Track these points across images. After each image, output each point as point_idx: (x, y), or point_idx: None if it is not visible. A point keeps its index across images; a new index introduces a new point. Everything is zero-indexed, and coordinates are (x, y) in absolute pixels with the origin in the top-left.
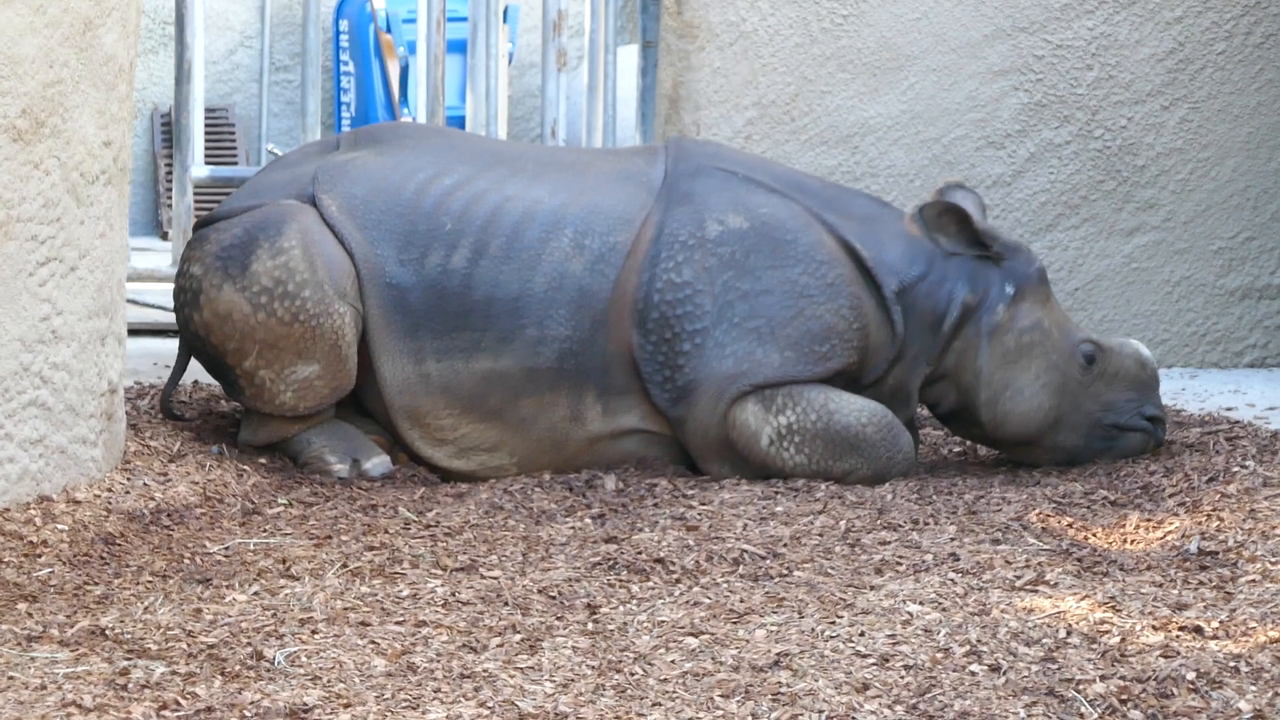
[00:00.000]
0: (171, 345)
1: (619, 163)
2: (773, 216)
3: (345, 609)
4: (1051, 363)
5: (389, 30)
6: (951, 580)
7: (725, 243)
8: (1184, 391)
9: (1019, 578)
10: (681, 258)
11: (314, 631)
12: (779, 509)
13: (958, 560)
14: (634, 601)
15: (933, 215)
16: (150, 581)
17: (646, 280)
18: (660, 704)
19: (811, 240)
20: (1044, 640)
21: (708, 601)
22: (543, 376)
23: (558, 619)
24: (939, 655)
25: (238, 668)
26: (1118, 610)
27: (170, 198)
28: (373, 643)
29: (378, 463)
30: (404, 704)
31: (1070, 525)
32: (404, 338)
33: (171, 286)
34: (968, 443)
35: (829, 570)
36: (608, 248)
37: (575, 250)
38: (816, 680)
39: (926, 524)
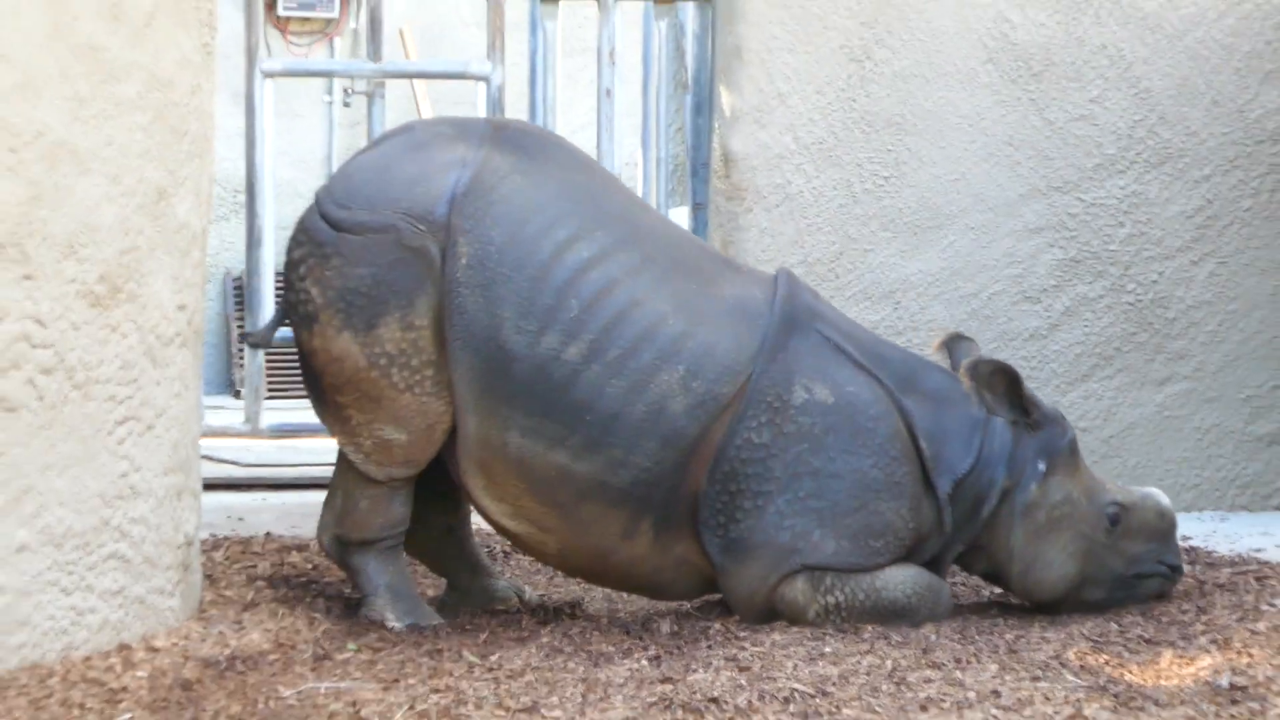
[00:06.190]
0: (246, 499)
1: (736, 286)
2: (857, 397)
3: None
4: (1079, 532)
5: None
6: (994, 716)
7: (807, 413)
8: (1215, 533)
9: (1058, 713)
10: (764, 419)
11: None
12: (827, 649)
13: (999, 697)
14: None
15: (986, 373)
16: None
17: (729, 434)
18: None
19: (888, 432)
20: None
21: None
22: (611, 492)
23: None
24: None
25: None
26: None
27: (242, 358)
28: None
29: (433, 626)
30: None
31: (1107, 662)
32: (498, 402)
33: (244, 443)
34: None
35: (876, 708)
36: (710, 396)
37: (682, 389)
38: None
39: (969, 662)
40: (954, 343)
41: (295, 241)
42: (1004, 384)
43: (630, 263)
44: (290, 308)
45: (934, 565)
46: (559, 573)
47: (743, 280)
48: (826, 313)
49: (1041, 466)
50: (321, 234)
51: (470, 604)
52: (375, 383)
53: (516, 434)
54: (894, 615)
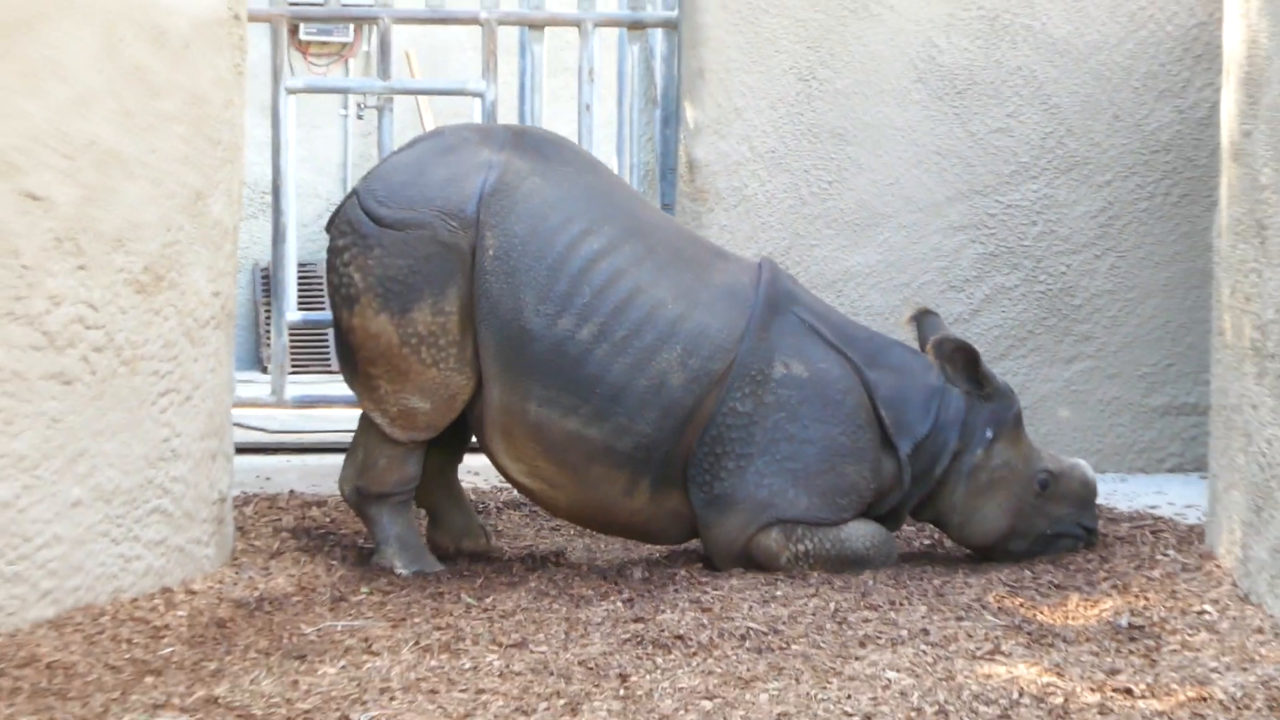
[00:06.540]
0: (272, 461)
1: (726, 274)
2: (828, 373)
3: (418, 679)
4: (1013, 493)
5: None
6: (923, 651)
7: (785, 386)
8: (1115, 493)
9: (979, 649)
10: (748, 390)
11: (392, 699)
12: (778, 592)
13: (928, 634)
14: (658, 671)
15: (949, 349)
16: (255, 658)
17: (718, 404)
18: None
19: (855, 403)
20: (1000, 701)
21: (720, 671)
22: (616, 455)
23: (595, 686)
24: (913, 714)
25: None
26: (1062, 675)
27: (269, 338)
28: (441, 708)
29: (436, 572)
30: None
31: (1022, 604)
32: (519, 375)
33: (270, 412)
34: (936, 536)
35: (821, 644)
36: (704, 372)
37: (679, 366)
38: None
39: (902, 604)
40: (923, 317)
41: (339, 232)
42: (963, 360)
43: (635, 254)
44: (332, 289)
45: (893, 514)
46: (549, 527)
47: (731, 268)
48: (803, 297)
49: (989, 434)
50: (365, 227)
51: (449, 537)
52: (405, 359)
53: (535, 403)
54: (854, 563)
